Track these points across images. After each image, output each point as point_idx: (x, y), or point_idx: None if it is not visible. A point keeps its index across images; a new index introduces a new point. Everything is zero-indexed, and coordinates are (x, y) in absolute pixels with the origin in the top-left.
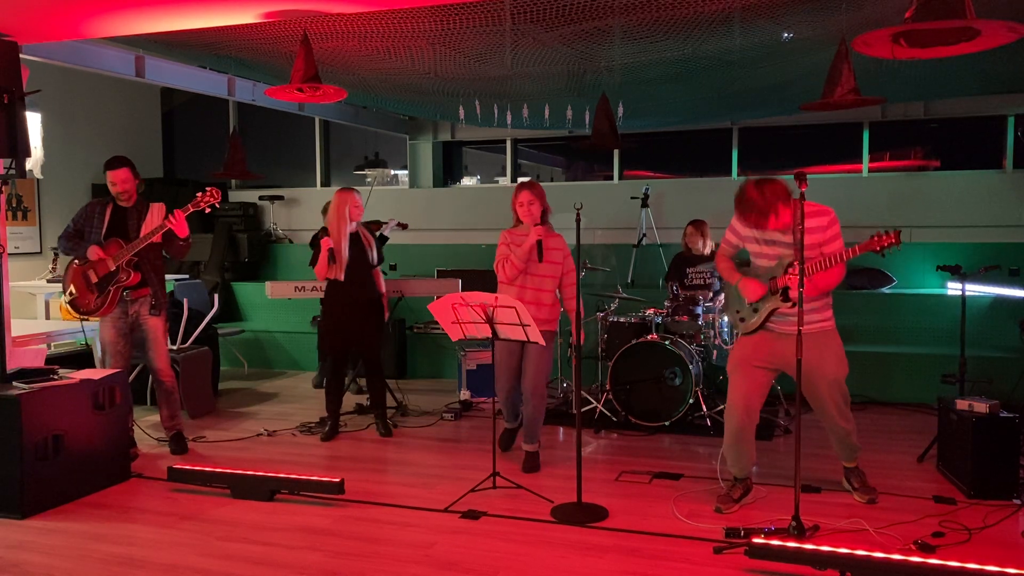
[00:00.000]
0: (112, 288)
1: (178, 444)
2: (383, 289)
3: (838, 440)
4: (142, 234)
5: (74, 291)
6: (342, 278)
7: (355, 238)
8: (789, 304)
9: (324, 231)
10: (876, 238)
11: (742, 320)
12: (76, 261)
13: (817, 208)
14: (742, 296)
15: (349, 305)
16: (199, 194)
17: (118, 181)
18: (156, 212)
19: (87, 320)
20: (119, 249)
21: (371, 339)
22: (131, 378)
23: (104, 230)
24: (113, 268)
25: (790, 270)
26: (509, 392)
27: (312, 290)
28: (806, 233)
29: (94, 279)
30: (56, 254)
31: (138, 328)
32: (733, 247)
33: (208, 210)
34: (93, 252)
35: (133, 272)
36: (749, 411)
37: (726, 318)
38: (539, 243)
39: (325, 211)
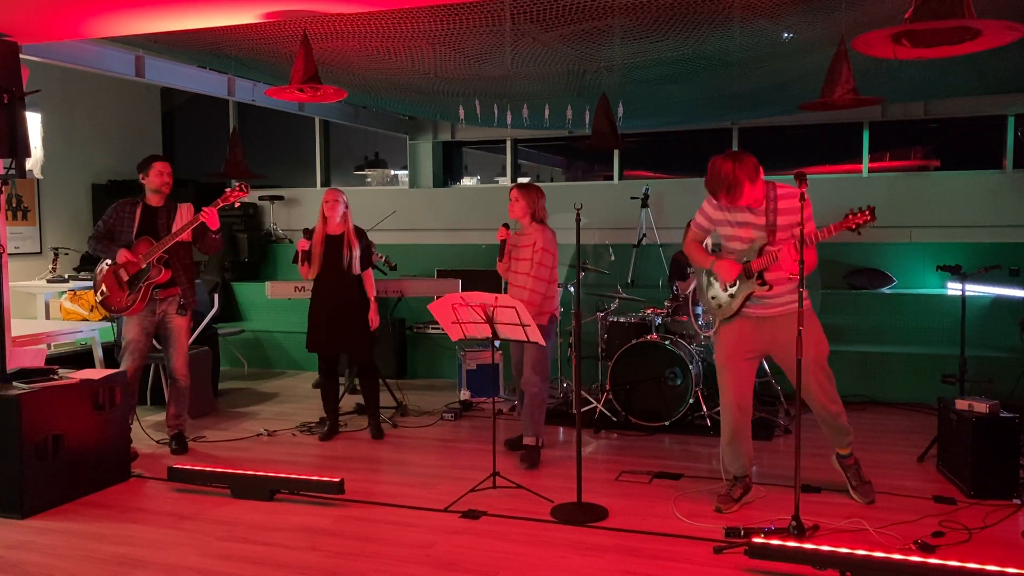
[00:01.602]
0: (143, 285)
1: (179, 444)
2: (371, 294)
3: (828, 425)
4: (173, 231)
5: (105, 290)
6: (312, 276)
7: (336, 239)
8: (766, 288)
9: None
10: (850, 216)
11: (719, 307)
12: (107, 262)
13: (790, 190)
14: (715, 280)
15: (325, 305)
16: (228, 189)
17: (166, 172)
18: (185, 211)
19: (117, 318)
20: (150, 247)
21: (357, 341)
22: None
23: (135, 229)
24: (144, 265)
25: (766, 248)
26: (518, 385)
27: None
28: (780, 214)
29: (125, 277)
30: (56, 254)
31: (163, 327)
32: (704, 231)
33: (238, 204)
34: (121, 256)
35: (164, 269)
36: (743, 409)
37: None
38: (503, 243)
39: None
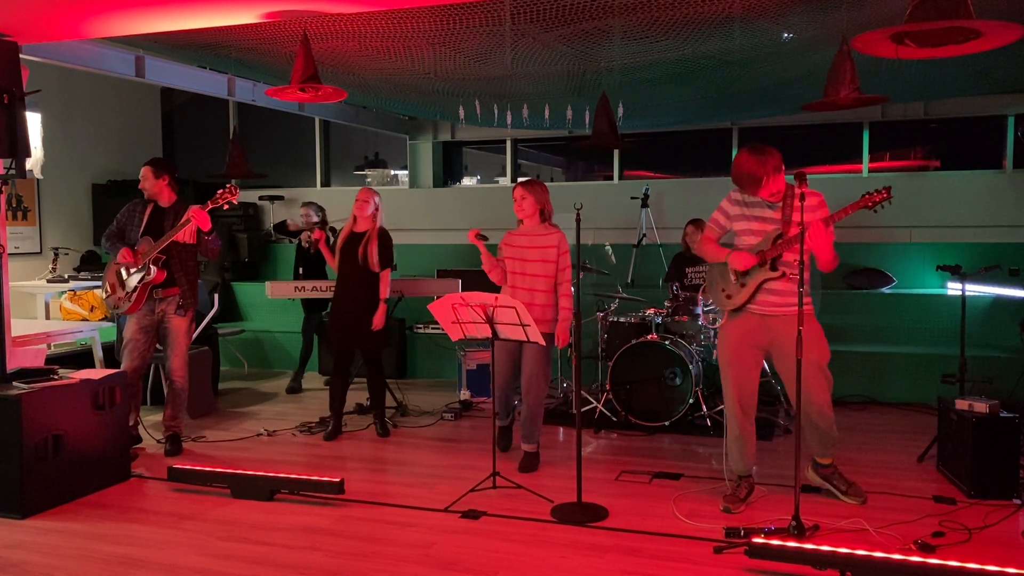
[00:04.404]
0: (140, 285)
1: (174, 445)
2: (383, 294)
3: (821, 432)
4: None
5: (109, 288)
6: (336, 271)
7: (358, 236)
8: (778, 274)
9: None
10: (867, 196)
11: (728, 297)
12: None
13: (811, 191)
14: (728, 272)
15: (343, 302)
16: (220, 191)
17: (147, 176)
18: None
19: (120, 317)
20: (149, 247)
21: (370, 338)
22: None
23: (142, 229)
24: (140, 265)
25: (778, 241)
26: (504, 389)
27: (312, 290)
28: (795, 212)
29: (125, 277)
30: (56, 254)
31: (162, 327)
32: (721, 228)
33: (227, 207)
34: (121, 254)
35: (159, 270)
36: (745, 410)
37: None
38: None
39: None
